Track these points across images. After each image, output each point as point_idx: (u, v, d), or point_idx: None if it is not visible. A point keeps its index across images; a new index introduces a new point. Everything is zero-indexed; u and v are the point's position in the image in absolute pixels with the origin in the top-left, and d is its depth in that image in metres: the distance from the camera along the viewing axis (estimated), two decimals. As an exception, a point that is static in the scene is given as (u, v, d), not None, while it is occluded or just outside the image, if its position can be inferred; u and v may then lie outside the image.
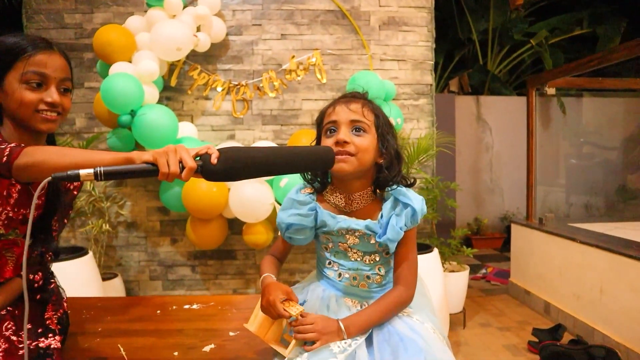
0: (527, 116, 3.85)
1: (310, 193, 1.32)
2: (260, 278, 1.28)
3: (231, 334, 1.50)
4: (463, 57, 7.15)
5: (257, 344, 1.28)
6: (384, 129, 1.28)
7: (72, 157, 0.98)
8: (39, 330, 1.22)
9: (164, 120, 2.73)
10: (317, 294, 1.32)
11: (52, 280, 1.43)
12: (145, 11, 3.30)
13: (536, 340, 2.84)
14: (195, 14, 3.05)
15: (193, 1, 3.25)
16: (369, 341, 1.15)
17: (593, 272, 2.88)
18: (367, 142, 1.23)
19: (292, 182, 2.79)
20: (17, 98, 1.17)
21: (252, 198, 2.79)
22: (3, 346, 1.12)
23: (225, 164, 0.97)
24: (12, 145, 1.02)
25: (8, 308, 1.23)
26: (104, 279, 2.97)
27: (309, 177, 1.35)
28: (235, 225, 3.22)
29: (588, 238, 3.03)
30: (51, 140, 1.40)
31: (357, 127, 1.24)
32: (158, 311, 1.72)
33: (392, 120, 3.08)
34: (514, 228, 3.84)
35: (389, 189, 1.27)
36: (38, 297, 1.33)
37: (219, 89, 3.31)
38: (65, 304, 1.41)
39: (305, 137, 3.06)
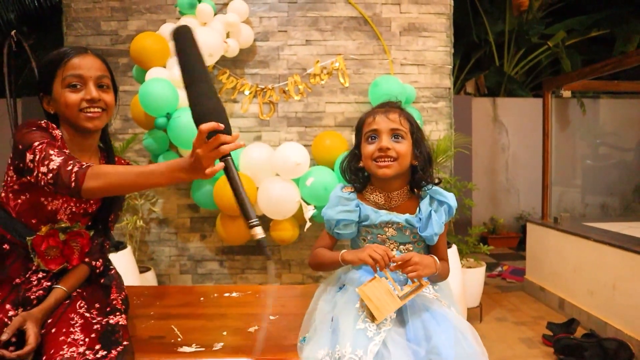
0: (542, 118, 3.96)
1: (351, 191, 1.49)
2: (340, 256, 1.41)
3: (271, 317, 1.66)
4: (479, 59, 7.24)
5: (297, 326, 1.44)
6: (418, 135, 1.46)
7: (130, 175, 1.16)
8: (107, 309, 1.39)
9: (198, 123, 2.90)
10: (354, 279, 1.48)
11: (112, 267, 1.61)
12: (178, 18, 3.49)
13: (550, 333, 2.96)
14: (225, 22, 3.22)
15: (222, 8, 3.42)
16: (401, 320, 1.29)
17: (606, 269, 2.99)
18: (405, 147, 1.41)
19: (318, 181, 2.94)
20: (63, 102, 1.32)
21: (279, 196, 2.95)
22: (80, 321, 1.29)
23: None
24: (76, 169, 1.15)
25: (78, 290, 1.41)
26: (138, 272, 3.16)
27: (349, 177, 1.52)
28: (263, 223, 3.39)
29: (602, 236, 3.14)
30: (106, 140, 1.52)
31: (396, 135, 1.41)
32: (202, 298, 1.89)
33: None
34: (530, 227, 3.96)
35: (425, 188, 1.45)
36: (102, 281, 1.50)
37: (247, 92, 3.48)
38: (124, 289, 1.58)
39: (329, 139, 3.21)
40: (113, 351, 1.21)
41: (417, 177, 1.45)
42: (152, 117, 2.96)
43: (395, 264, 1.31)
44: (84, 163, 1.18)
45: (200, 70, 1.18)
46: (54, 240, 1.37)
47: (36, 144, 1.21)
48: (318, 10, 3.52)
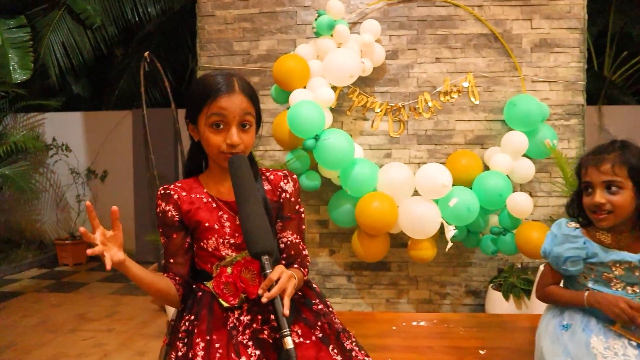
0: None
1: (577, 227, 1.49)
2: (585, 300, 1.44)
3: (481, 352, 1.69)
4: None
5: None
6: None
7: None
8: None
9: (344, 144, 2.98)
10: (582, 321, 1.48)
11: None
12: (308, 38, 3.59)
13: None
14: (361, 42, 3.29)
15: (352, 27, 3.49)
16: None
17: None
18: (622, 198, 1.38)
19: (461, 202, 2.95)
20: (205, 139, 1.35)
21: (421, 216, 2.99)
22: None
23: None
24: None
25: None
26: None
27: (573, 212, 1.53)
28: (391, 239, 3.43)
29: None
30: (251, 157, 1.46)
31: (609, 186, 1.39)
32: (393, 327, 1.95)
33: (549, 143, 3.17)
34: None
35: None
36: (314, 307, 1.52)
37: (377, 110, 3.53)
38: None
39: (464, 158, 3.22)
40: None
41: None
42: (296, 138, 3.06)
43: None
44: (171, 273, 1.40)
45: (253, 192, 1.28)
46: (225, 277, 1.37)
47: (161, 239, 1.41)
48: (447, 27, 3.52)
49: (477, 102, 3.49)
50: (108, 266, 1.17)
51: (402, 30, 3.55)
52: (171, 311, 3.41)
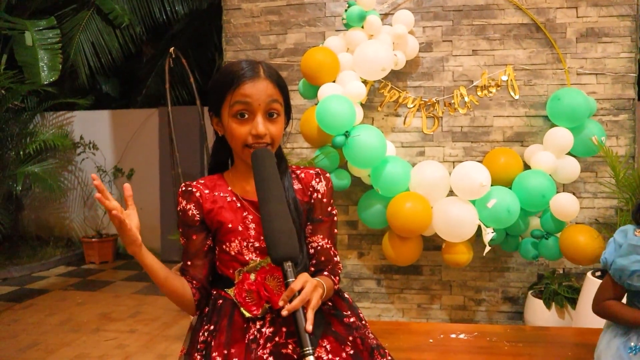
0: None
1: None
2: None
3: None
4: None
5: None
6: None
7: None
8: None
9: (375, 141, 2.82)
10: None
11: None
12: (337, 30, 3.44)
13: None
14: (393, 33, 3.11)
15: (383, 18, 3.32)
16: None
17: None
18: None
19: (500, 203, 2.75)
20: (229, 131, 1.21)
21: (457, 218, 2.80)
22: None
23: None
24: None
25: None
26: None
27: None
28: (424, 241, 3.25)
29: None
30: (279, 154, 1.30)
31: None
32: (430, 340, 1.78)
33: (596, 140, 2.94)
34: None
35: None
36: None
37: (410, 105, 3.35)
38: None
39: (503, 157, 3.01)
40: None
41: None
42: (325, 134, 2.91)
43: None
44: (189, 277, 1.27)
45: (277, 190, 1.14)
46: (248, 284, 1.24)
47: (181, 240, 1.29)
48: (485, 17, 3.32)
49: (517, 97, 3.28)
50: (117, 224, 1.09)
51: (437, 21, 3.36)
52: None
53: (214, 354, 1.19)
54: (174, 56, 4.01)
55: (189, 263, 1.27)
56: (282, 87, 1.24)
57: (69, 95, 6.36)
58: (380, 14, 3.26)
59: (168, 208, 5.86)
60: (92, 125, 6.36)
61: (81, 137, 6.21)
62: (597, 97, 3.23)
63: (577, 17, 3.26)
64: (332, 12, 3.47)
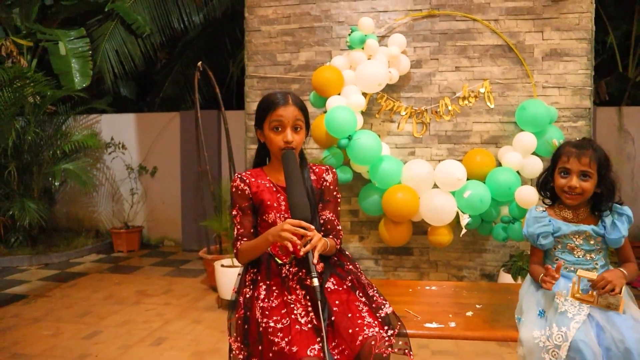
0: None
1: (543, 210, 1.93)
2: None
3: (477, 306, 2.15)
4: (598, 65, 7.23)
5: (502, 312, 1.91)
6: (604, 171, 1.84)
7: (251, 249, 1.81)
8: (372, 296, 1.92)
9: (373, 143, 3.46)
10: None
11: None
12: (341, 49, 4.08)
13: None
14: (389, 54, 3.76)
15: (380, 40, 3.96)
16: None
17: None
18: (590, 184, 1.82)
19: (474, 194, 3.39)
20: (269, 139, 1.85)
21: (440, 206, 3.44)
22: (365, 308, 1.81)
23: None
24: (236, 249, 1.85)
25: (352, 280, 1.93)
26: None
27: (543, 193, 1.97)
28: (413, 227, 3.89)
29: None
30: (302, 156, 1.98)
31: (584, 175, 1.82)
32: (410, 290, 2.42)
33: (555, 142, 3.58)
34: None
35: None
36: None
37: (402, 113, 4.00)
38: None
39: (479, 156, 3.65)
40: (395, 330, 1.68)
41: (602, 204, 1.85)
42: (332, 137, 3.55)
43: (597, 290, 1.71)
44: (239, 243, 1.85)
45: (297, 177, 1.75)
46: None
47: (234, 213, 1.89)
48: (466, 39, 3.96)
49: (492, 106, 3.92)
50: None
51: (426, 42, 4.00)
52: (222, 289, 3.94)
53: (259, 284, 1.83)
54: (201, 69, 4.65)
55: (242, 231, 1.88)
56: (303, 109, 1.89)
57: (95, 99, 7.02)
58: (378, 36, 3.91)
59: (188, 203, 6.48)
60: (118, 127, 7.01)
61: (112, 138, 6.86)
62: (559, 107, 3.87)
63: (543, 39, 3.90)
64: (338, 34, 4.11)
